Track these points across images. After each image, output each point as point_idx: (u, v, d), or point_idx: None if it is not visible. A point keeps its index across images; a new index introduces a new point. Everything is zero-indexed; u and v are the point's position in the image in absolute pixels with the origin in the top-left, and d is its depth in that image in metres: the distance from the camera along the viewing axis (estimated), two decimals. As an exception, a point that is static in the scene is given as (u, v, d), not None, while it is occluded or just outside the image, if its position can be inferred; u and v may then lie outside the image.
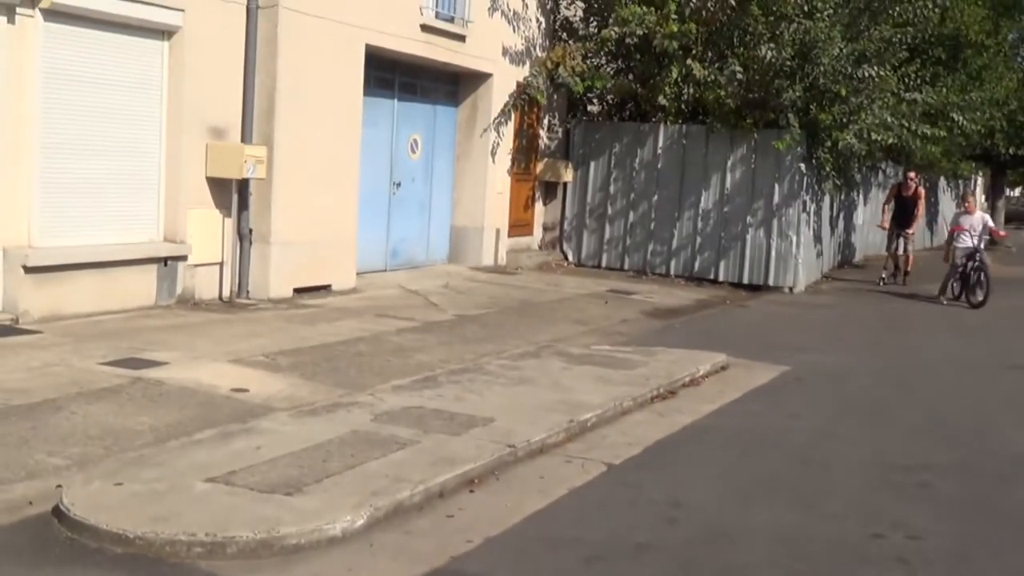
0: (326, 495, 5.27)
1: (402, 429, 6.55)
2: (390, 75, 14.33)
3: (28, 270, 9.15)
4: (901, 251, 17.92)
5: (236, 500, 5.12)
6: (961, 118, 18.18)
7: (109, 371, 7.71)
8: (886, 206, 18.33)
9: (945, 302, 15.44)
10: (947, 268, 15.85)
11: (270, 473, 5.52)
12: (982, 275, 15.27)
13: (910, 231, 17.79)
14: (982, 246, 15.57)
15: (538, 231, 17.83)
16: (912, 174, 17.96)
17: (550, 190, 17.86)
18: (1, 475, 5.43)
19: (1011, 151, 26.92)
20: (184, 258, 10.73)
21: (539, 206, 17.70)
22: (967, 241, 15.46)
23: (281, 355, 8.68)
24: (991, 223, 16.24)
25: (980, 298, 15.12)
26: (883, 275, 17.67)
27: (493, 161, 15.89)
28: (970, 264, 15.37)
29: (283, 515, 4.94)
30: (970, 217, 15.84)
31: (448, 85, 15.76)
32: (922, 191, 18.09)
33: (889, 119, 15.94)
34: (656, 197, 17.16)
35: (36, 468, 5.59)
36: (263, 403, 7.17)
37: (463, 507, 5.52)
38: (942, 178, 29.85)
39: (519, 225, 17.10)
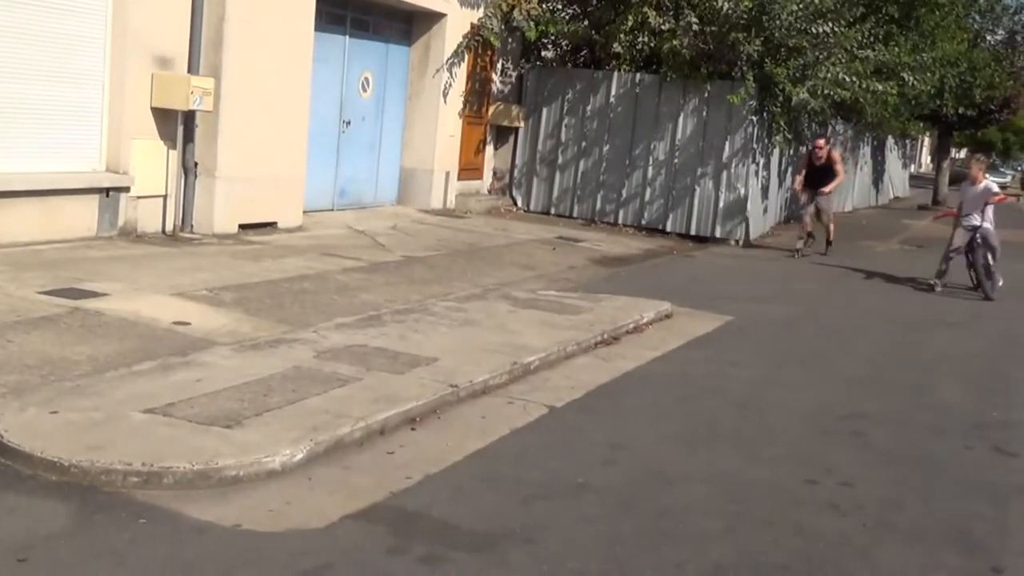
0: (266, 428, 5.24)
1: (344, 366, 6.52)
2: (342, 11, 14.10)
3: (-35, 196, 8.94)
4: (816, 214, 15.63)
5: (174, 431, 5.07)
6: (912, 78, 18.30)
7: (47, 300, 7.57)
8: (797, 176, 16.03)
9: (940, 290, 12.87)
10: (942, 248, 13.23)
11: (210, 406, 5.47)
12: (989, 258, 12.74)
13: (825, 189, 15.41)
14: (987, 224, 12.65)
15: (488, 176, 17.75)
16: (821, 141, 15.73)
17: (502, 135, 17.76)
18: (-67, 401, 5.32)
19: (959, 112, 27.20)
20: (127, 189, 10.52)
21: (490, 150, 17.61)
22: (972, 219, 12.61)
23: (224, 290, 8.58)
24: (996, 191, 12.99)
25: (992, 291, 12.66)
26: (798, 245, 15.60)
27: (445, 103, 15.75)
28: (976, 245, 12.60)
29: (222, 447, 4.91)
30: (973, 188, 12.86)
31: (401, 23, 15.54)
32: (836, 155, 16.04)
33: (842, 76, 16.01)
34: (608, 146, 17.14)
35: (-31, 395, 5.49)
36: (205, 337, 7.09)
37: (404, 444, 5.52)
38: (890, 137, 30.17)
39: (469, 169, 17.01)
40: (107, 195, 10.35)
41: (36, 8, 9.63)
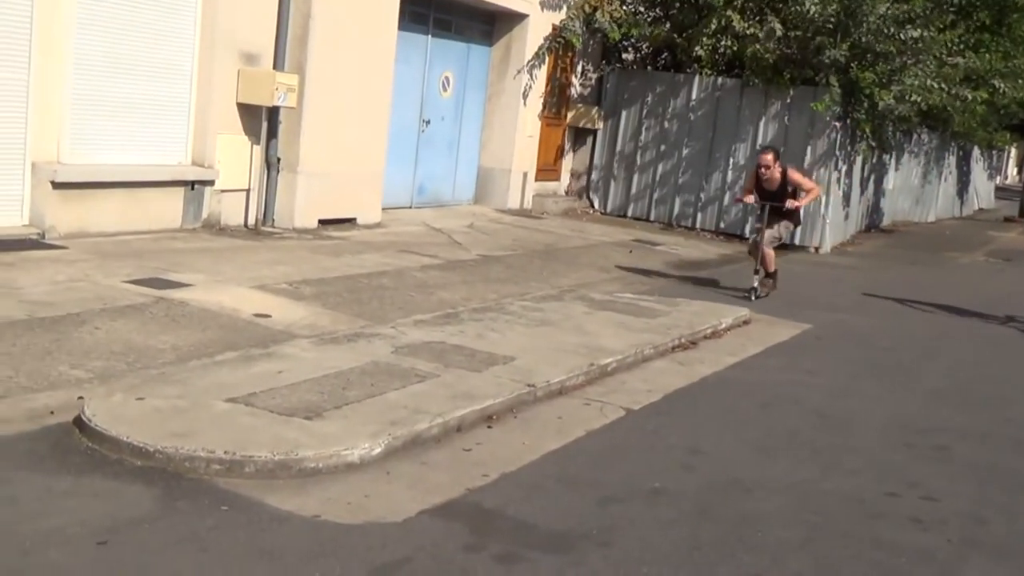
0: (345, 421, 5.28)
1: (423, 362, 6.55)
2: (425, 10, 14.19)
3: (56, 186, 9.16)
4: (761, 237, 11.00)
5: (256, 421, 5.13)
6: (1003, 85, 17.84)
7: (133, 289, 7.73)
8: (746, 192, 11.36)
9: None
10: None
11: (290, 397, 5.54)
12: None
13: (796, 203, 10.93)
14: None
15: (565, 177, 17.73)
16: (768, 156, 10.97)
17: (580, 137, 17.72)
18: (25, 384, 5.47)
19: (1049, 123, 26.47)
20: (211, 183, 10.71)
21: (568, 152, 17.59)
22: None
23: (304, 284, 8.68)
24: None
25: None
26: (754, 283, 10.87)
27: (524, 104, 15.76)
28: None
29: (302, 438, 4.96)
30: None
31: (483, 24, 15.59)
32: (797, 176, 11.12)
33: (930, 82, 15.68)
34: (687, 149, 17.01)
35: (59, 379, 5.62)
36: (285, 329, 7.19)
37: (480, 442, 5.53)
38: (976, 148, 29.48)
39: (547, 170, 17.00)
40: (192, 188, 10.54)
41: (129, 3, 9.84)
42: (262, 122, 11.14)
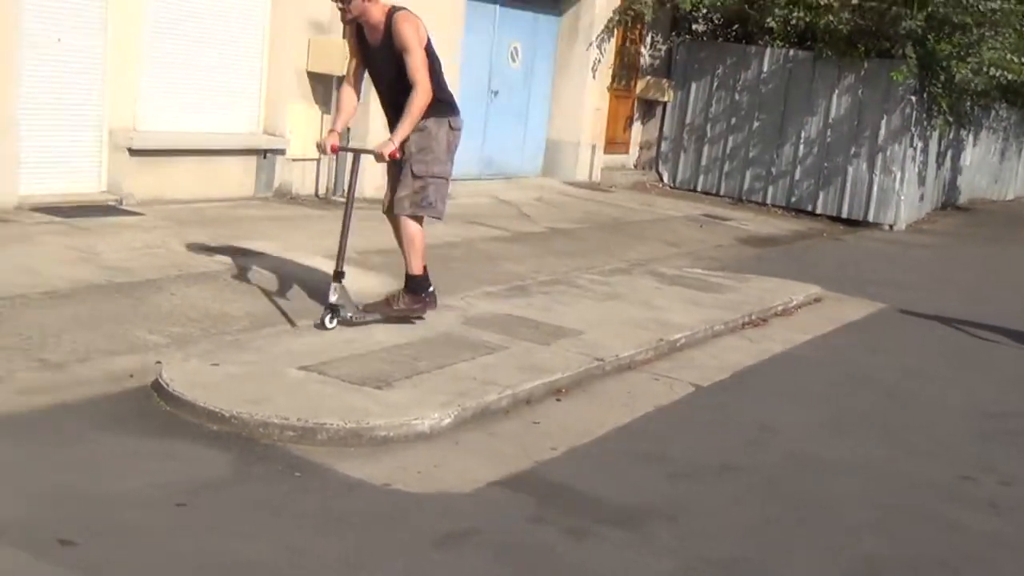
0: (415, 391, 5.32)
1: (491, 334, 6.56)
2: (495, -20, 14.12)
3: (132, 152, 9.30)
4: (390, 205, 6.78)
5: (327, 389, 5.19)
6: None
7: (207, 257, 7.83)
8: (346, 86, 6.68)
9: None
10: None
11: (361, 366, 5.59)
12: None
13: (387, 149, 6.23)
14: None
15: (634, 150, 17.58)
16: None
17: (649, 109, 17.55)
18: (104, 348, 5.58)
19: None
20: (282, 152, 10.80)
21: (637, 124, 17.42)
22: None
23: (373, 254, 8.72)
24: None
25: None
26: (331, 294, 6.27)
27: (593, 75, 15.63)
28: None
29: (372, 407, 5.01)
30: None
31: (552, -7, 15.48)
32: (409, 30, 6.24)
33: (1010, 56, 15.25)
34: (757, 123, 16.76)
35: (137, 343, 5.73)
36: (355, 299, 7.22)
37: (549, 415, 5.54)
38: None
39: (615, 142, 16.87)
40: (264, 157, 10.65)
41: (205, -27, 9.94)
42: (332, 91, 11.18)
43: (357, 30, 6.34)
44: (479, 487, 4.51)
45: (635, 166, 17.57)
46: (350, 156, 7.24)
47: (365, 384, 5.31)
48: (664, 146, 17.65)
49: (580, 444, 5.18)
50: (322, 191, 11.29)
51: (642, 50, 16.88)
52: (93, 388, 5.06)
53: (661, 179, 17.59)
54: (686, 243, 12.04)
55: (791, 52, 16.43)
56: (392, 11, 6.23)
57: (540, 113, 15.64)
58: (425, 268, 6.69)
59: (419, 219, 6.55)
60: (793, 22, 16.07)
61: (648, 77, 17.03)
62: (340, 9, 6.16)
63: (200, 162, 10.02)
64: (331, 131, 6.66)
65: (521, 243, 10.39)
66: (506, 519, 4.26)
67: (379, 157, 6.28)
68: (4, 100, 8.23)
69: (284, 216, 9.96)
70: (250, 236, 8.70)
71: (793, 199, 16.48)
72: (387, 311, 6.54)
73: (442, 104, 6.43)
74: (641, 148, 17.67)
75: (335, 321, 6.19)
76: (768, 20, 16.07)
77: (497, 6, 14.33)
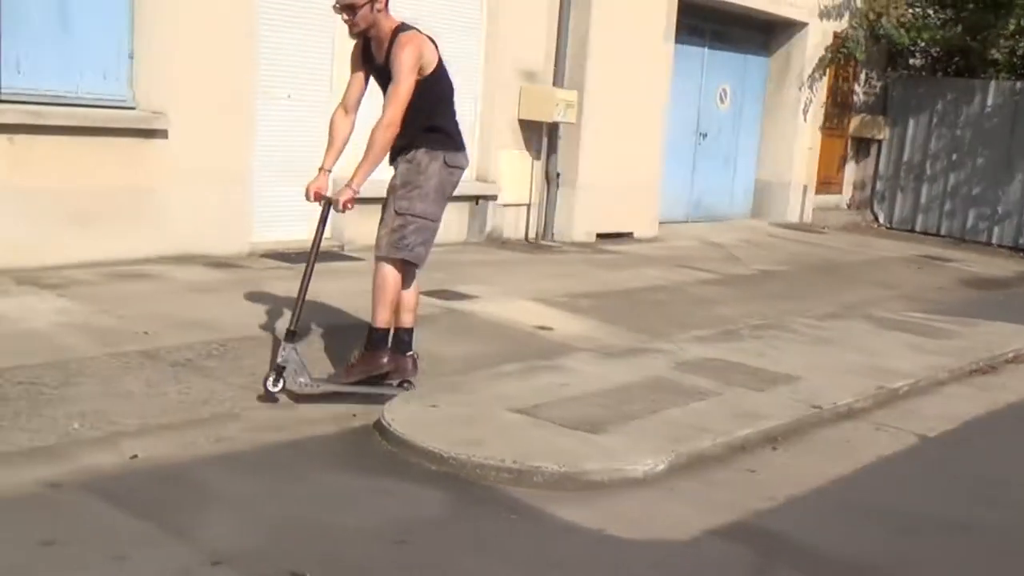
0: (628, 437, 5.30)
1: (703, 379, 6.47)
2: (702, 23, 14.08)
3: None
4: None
5: (541, 432, 5.24)
6: None
7: (425, 300, 8.04)
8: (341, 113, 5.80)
9: None
10: None
11: (574, 410, 5.62)
12: None
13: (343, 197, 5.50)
14: None
15: (847, 190, 17.08)
16: None
17: (862, 147, 17.02)
18: (329, 388, 5.82)
19: None
20: (494, 198, 11.08)
21: (850, 164, 16.94)
22: None
23: (583, 297, 8.80)
24: None
25: None
26: (281, 354, 5.41)
27: (803, 115, 15.34)
28: None
29: (586, 451, 5.02)
30: None
31: (760, 34, 15.31)
32: (408, 51, 5.39)
33: None
34: (981, 159, 15.97)
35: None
36: (565, 342, 7.31)
37: (765, 463, 5.40)
38: None
39: (827, 182, 16.45)
40: (476, 203, 10.94)
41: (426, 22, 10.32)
42: (542, 137, 11.42)
43: (364, 45, 5.61)
44: (695, 536, 4.44)
45: (848, 206, 17.05)
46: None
47: (578, 428, 5.33)
48: (879, 185, 17.07)
49: (798, 494, 5.02)
50: (531, 235, 11.50)
51: (855, 87, 16.43)
52: (319, 427, 5.29)
53: (876, 219, 17.00)
54: (904, 285, 11.56)
55: (1018, 84, 15.62)
56: (398, 29, 5.49)
57: (749, 154, 15.45)
58: (411, 327, 5.78)
59: (398, 265, 5.64)
60: (1020, 52, 15.29)
61: (862, 115, 16.55)
62: (345, 22, 5.43)
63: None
64: (321, 170, 5.69)
65: (731, 286, 10.23)
66: (725, 570, 4.18)
67: (334, 205, 5.51)
68: (240, 152, 8.80)
69: (496, 260, 10.19)
70: (464, 280, 8.93)
71: (1022, 239, 15.57)
72: (346, 377, 5.66)
73: (438, 135, 5.69)
74: (855, 188, 17.15)
75: (280, 384, 5.33)
76: (992, 52, 15.36)
77: (705, 49, 14.29)
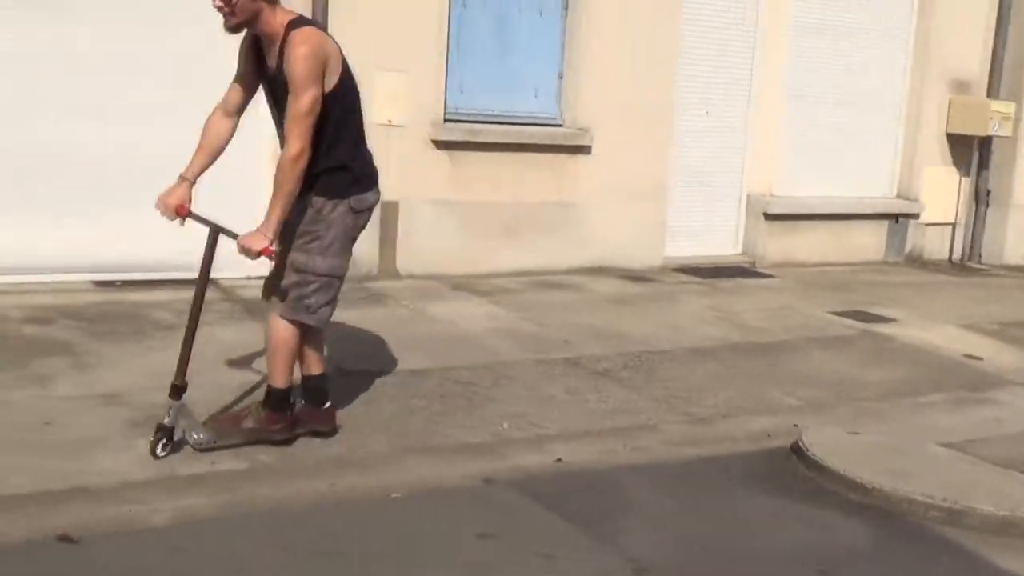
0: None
1: None
2: None
3: (768, 217, 9.63)
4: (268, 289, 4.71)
5: (975, 470, 4.89)
6: None
7: (837, 321, 7.83)
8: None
9: None
10: None
11: (1012, 449, 5.19)
12: None
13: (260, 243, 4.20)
14: None
15: None
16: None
17: None
18: (743, 405, 5.79)
19: None
20: (916, 216, 10.52)
21: None
22: None
23: (1017, 326, 8.10)
24: None
25: None
26: (168, 414, 4.34)
27: None
28: None
29: (1025, 495, 4.61)
30: None
31: None
32: (303, 51, 4.15)
33: None
34: None
35: (773, 404, 5.87)
36: (996, 374, 6.78)
37: None
38: None
39: None
40: (896, 221, 10.43)
41: (839, 36, 10.02)
42: (972, 153, 10.67)
43: (253, 44, 4.39)
44: None
45: None
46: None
47: (1017, 469, 4.92)
48: None
49: None
50: (955, 256, 10.79)
51: None
52: (734, 445, 5.25)
53: None
54: None
55: None
56: (292, 24, 4.23)
57: None
58: (323, 373, 4.74)
59: (298, 324, 4.49)
60: None
61: None
62: (218, 10, 4.17)
63: (830, 226, 10.09)
64: (181, 179, 4.41)
65: None
66: None
67: (246, 252, 4.20)
68: (658, 167, 8.98)
69: (915, 282, 9.66)
70: (881, 301, 8.55)
71: None
72: (234, 429, 4.54)
73: (342, 175, 4.41)
74: None
75: (167, 449, 4.33)
76: None
77: None
